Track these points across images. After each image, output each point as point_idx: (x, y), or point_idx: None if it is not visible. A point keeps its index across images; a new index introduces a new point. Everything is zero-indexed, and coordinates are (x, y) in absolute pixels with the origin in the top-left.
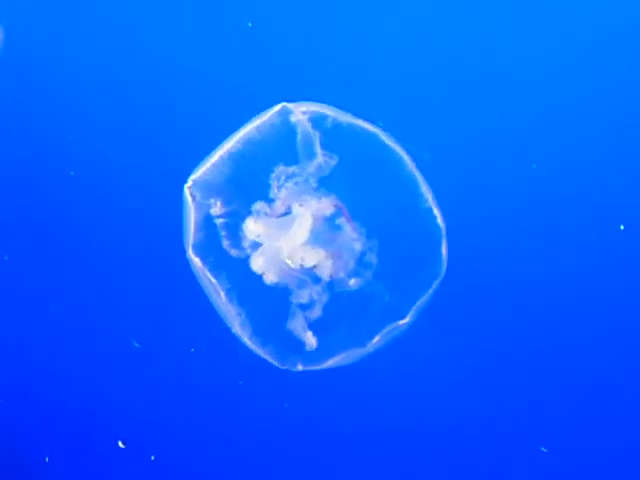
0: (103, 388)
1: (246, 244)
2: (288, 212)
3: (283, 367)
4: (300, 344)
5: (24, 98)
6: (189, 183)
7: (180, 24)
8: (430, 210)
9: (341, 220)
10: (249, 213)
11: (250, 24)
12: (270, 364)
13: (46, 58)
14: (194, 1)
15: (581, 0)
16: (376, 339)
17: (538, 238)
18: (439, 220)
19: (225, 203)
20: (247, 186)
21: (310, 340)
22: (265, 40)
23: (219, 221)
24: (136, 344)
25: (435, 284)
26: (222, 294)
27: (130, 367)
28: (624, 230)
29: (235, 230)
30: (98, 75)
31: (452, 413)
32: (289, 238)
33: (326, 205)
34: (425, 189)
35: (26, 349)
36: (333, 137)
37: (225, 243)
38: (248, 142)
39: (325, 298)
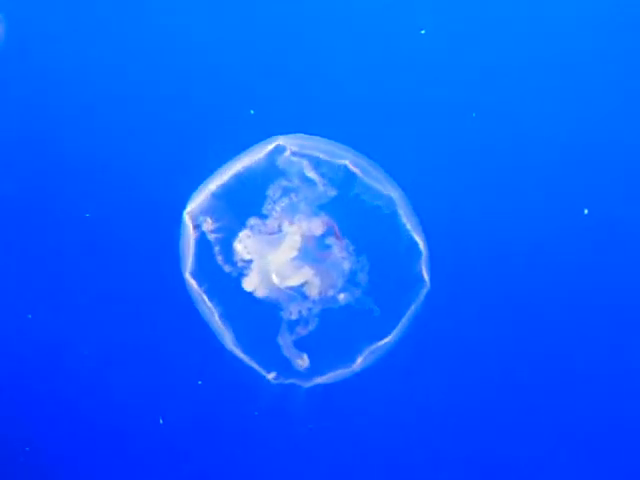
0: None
1: (238, 259)
2: (280, 229)
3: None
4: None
5: (23, 91)
6: (188, 209)
7: (176, 47)
8: (410, 233)
9: (331, 239)
10: (242, 228)
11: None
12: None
13: (46, 52)
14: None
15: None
16: (361, 358)
17: (506, 229)
18: (421, 246)
19: (217, 218)
20: (241, 203)
21: (298, 360)
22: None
23: (212, 236)
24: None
25: (415, 305)
26: (216, 315)
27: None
28: (588, 214)
29: (228, 245)
30: (98, 82)
31: (436, 432)
32: (276, 256)
33: (317, 225)
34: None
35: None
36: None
37: (218, 258)
38: (243, 174)
39: (315, 315)
